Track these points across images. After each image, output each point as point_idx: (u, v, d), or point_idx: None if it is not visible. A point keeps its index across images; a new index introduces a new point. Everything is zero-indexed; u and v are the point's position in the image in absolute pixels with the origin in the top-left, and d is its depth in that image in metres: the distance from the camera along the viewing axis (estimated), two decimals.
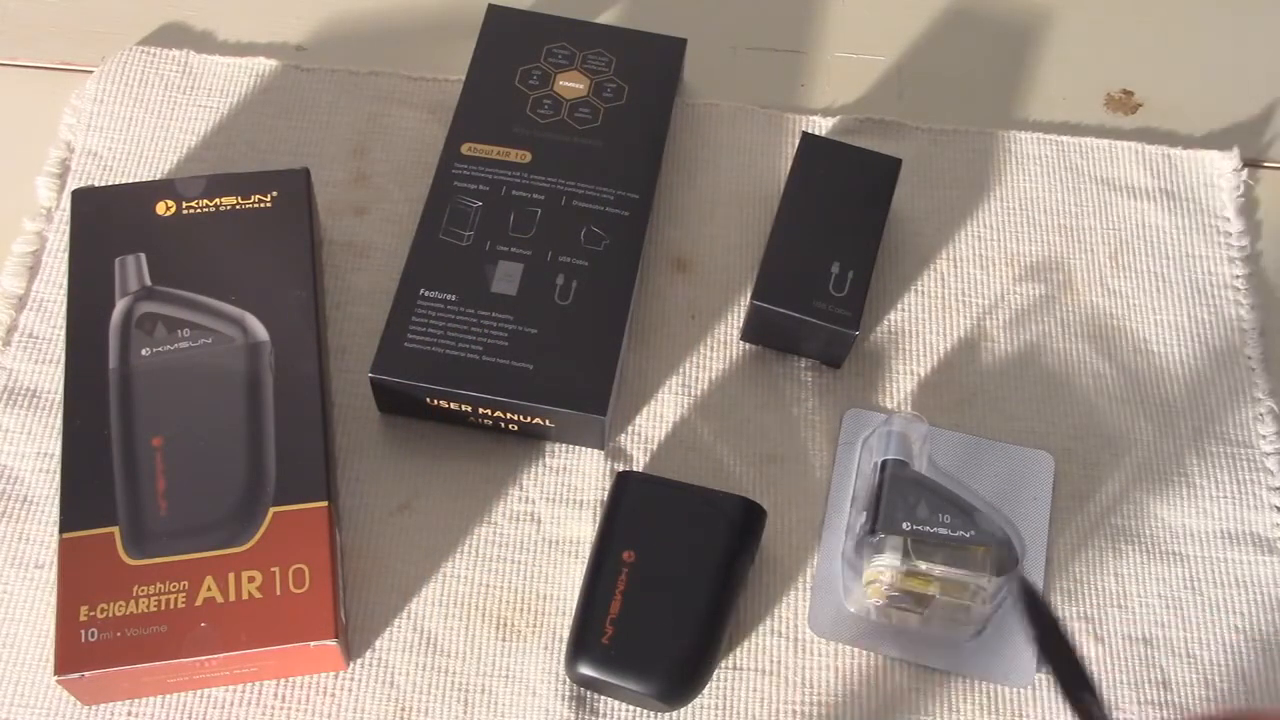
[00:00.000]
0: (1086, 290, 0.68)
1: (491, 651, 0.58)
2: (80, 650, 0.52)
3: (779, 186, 0.69)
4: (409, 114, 0.71)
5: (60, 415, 0.58)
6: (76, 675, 0.52)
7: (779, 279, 0.62)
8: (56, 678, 0.52)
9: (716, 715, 0.57)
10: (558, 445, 0.62)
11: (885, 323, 0.66)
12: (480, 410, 0.60)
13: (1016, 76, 0.75)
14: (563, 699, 0.56)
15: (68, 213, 0.63)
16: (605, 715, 0.56)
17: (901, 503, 0.56)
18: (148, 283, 0.60)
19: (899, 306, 0.67)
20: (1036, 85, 0.75)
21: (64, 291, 0.62)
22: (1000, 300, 0.67)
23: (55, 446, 0.61)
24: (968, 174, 0.71)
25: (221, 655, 0.52)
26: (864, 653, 0.58)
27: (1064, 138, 0.72)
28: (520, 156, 0.65)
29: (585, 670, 0.54)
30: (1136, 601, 0.60)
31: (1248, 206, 0.71)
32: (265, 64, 0.72)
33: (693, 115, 0.72)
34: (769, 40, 0.76)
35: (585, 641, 0.54)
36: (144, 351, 0.58)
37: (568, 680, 0.57)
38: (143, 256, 0.60)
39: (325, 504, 0.55)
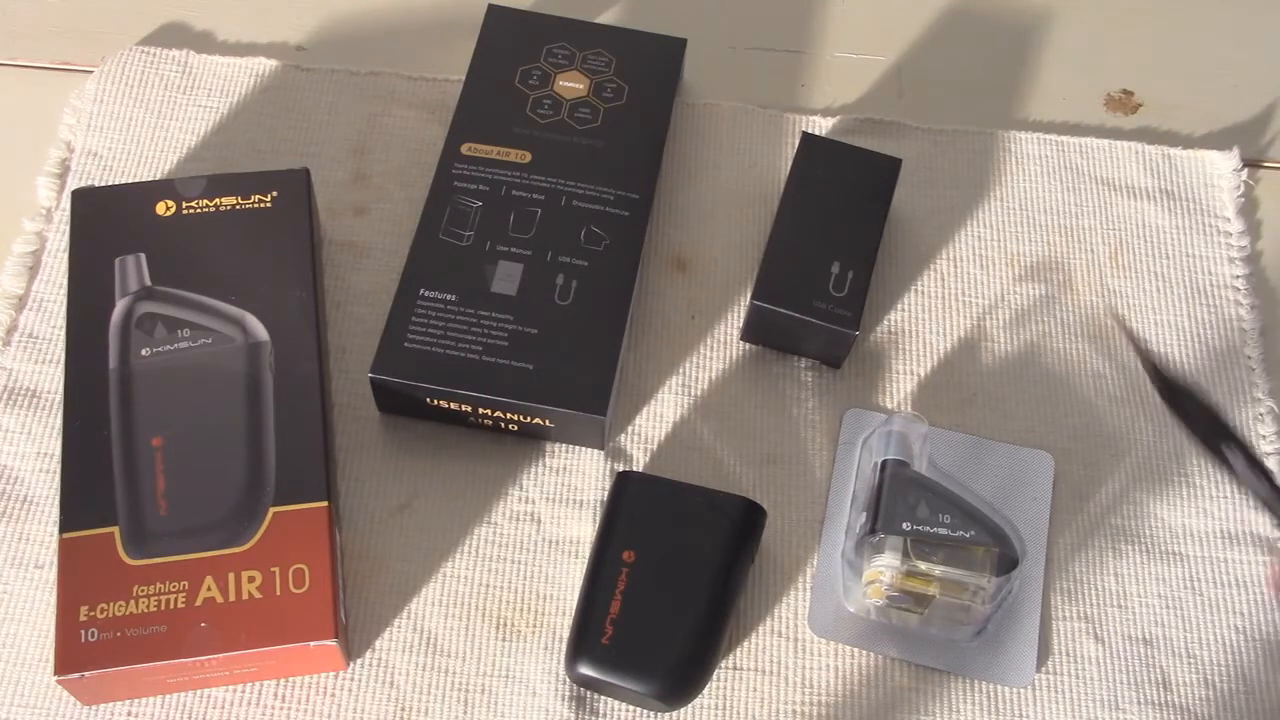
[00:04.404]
0: (1086, 290, 0.68)
1: (491, 651, 0.58)
2: (80, 650, 0.52)
3: (779, 186, 0.69)
4: (409, 114, 0.71)
5: (60, 415, 0.58)
6: (76, 675, 0.52)
7: (779, 279, 0.62)
8: (56, 678, 0.52)
9: (716, 715, 0.57)
10: (558, 445, 0.62)
11: (885, 323, 0.66)
12: (480, 410, 0.60)
13: (1016, 76, 0.75)
14: (563, 699, 0.56)
15: (68, 213, 0.63)
16: (605, 715, 0.56)
17: (901, 503, 0.56)
18: (148, 283, 0.60)
19: (899, 306, 0.67)
20: (1036, 85, 0.75)
21: (64, 291, 0.62)
22: (1000, 300, 0.67)
23: (55, 446, 0.61)
24: (968, 174, 0.71)
25: (221, 655, 0.52)
26: (864, 653, 0.58)
27: (1064, 138, 0.72)
28: (520, 156, 0.65)
29: (585, 670, 0.54)
30: (1136, 601, 0.60)
31: (1248, 206, 0.71)
32: (265, 64, 0.72)
33: (693, 115, 0.72)
34: (769, 40, 0.76)
35: (585, 641, 0.54)
36: (144, 351, 0.58)
37: (568, 680, 0.57)
38: (143, 256, 0.60)
39: (325, 504, 0.55)
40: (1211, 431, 0.39)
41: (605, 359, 0.60)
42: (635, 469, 0.62)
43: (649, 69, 0.69)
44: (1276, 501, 0.36)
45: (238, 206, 0.62)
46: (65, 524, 0.54)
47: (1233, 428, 0.38)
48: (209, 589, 0.53)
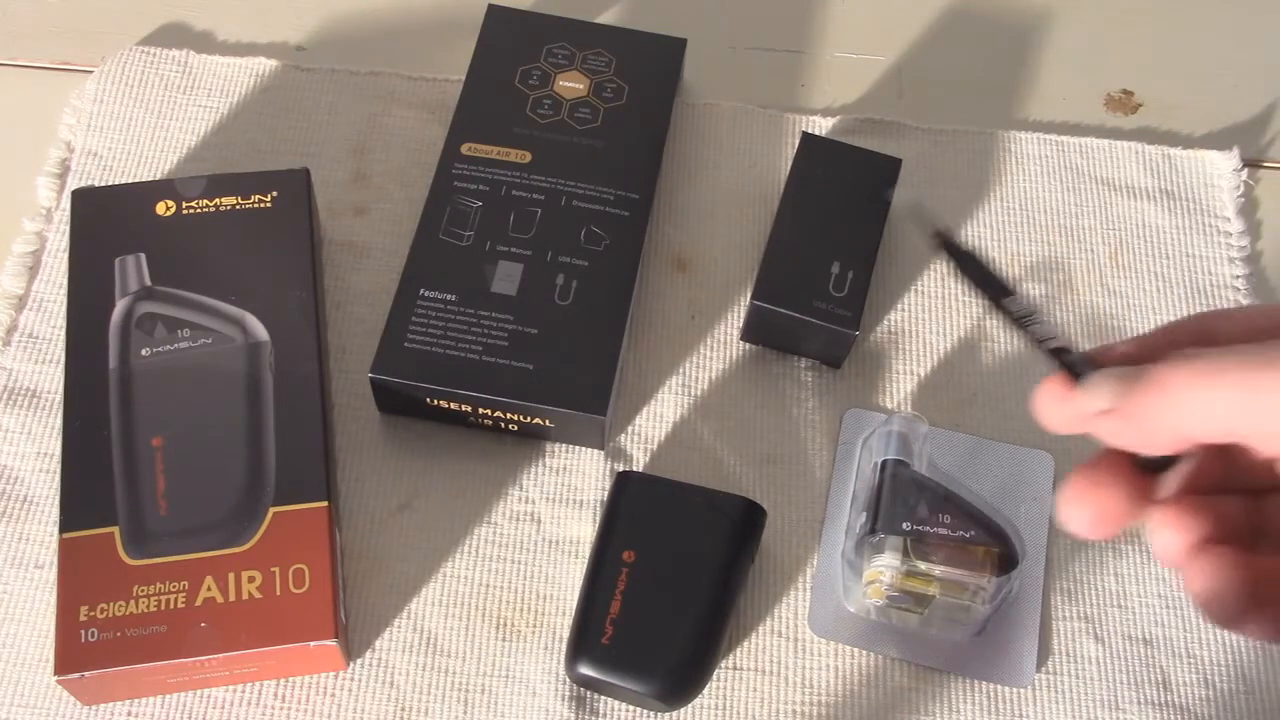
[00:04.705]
0: (1086, 290, 0.68)
1: (491, 651, 0.58)
2: (80, 650, 0.52)
3: (779, 186, 0.69)
4: (409, 114, 0.71)
5: (60, 415, 0.58)
6: (76, 675, 0.52)
7: (779, 279, 0.62)
8: (56, 678, 0.52)
9: (716, 715, 0.57)
10: (558, 445, 0.62)
11: (885, 323, 0.66)
12: (480, 410, 0.60)
13: (1016, 76, 0.75)
14: (563, 699, 0.56)
15: (68, 213, 0.63)
16: (605, 715, 0.56)
17: (901, 503, 0.56)
18: (148, 283, 0.60)
19: (899, 306, 0.67)
20: (1036, 85, 0.75)
21: (64, 291, 0.62)
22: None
23: (55, 446, 0.61)
24: (968, 174, 0.71)
25: (221, 655, 0.52)
26: (864, 653, 0.58)
27: (1064, 138, 0.72)
28: (520, 156, 0.65)
29: (585, 670, 0.54)
30: (1136, 601, 0.60)
31: (1248, 206, 0.71)
32: (265, 64, 0.72)
33: (693, 115, 0.72)
34: (769, 40, 0.76)
35: (585, 641, 0.54)
36: (144, 351, 0.58)
37: (568, 680, 0.57)
38: (143, 256, 0.60)
39: (325, 504, 0.55)
40: (995, 290, 0.42)
41: (605, 359, 0.60)
42: (635, 469, 0.62)
43: (649, 69, 0.69)
44: (1063, 350, 0.39)
45: (238, 206, 0.62)
46: (65, 524, 0.54)
47: (1011, 285, 0.41)
48: (209, 589, 0.53)
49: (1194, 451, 0.36)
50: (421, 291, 0.61)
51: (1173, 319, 0.66)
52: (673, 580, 0.55)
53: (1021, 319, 0.41)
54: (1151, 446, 0.36)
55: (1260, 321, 0.37)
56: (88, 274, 0.60)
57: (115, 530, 0.54)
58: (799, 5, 0.77)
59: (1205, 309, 0.67)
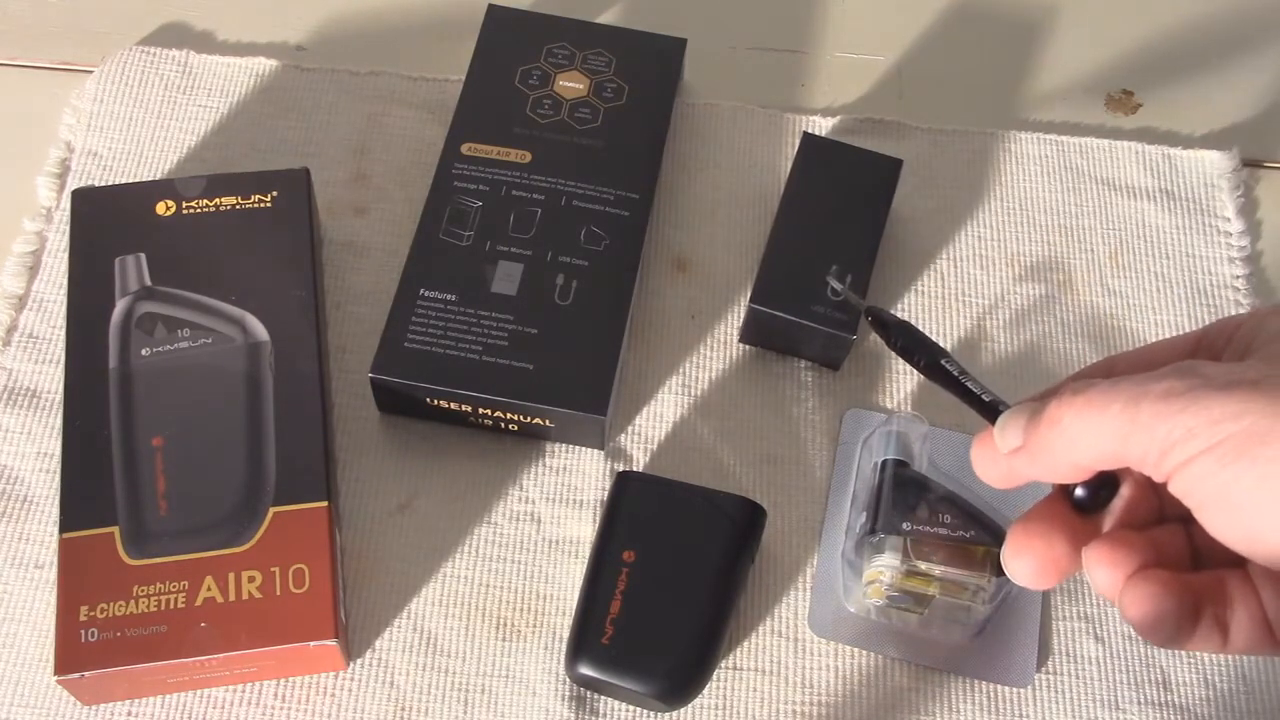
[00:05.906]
0: (1086, 290, 0.68)
1: (491, 651, 0.58)
2: (80, 650, 0.52)
3: (779, 186, 0.69)
4: (409, 114, 0.71)
5: (60, 415, 0.58)
6: (76, 675, 0.52)
7: (777, 282, 0.62)
8: (56, 678, 0.52)
9: (716, 715, 0.57)
10: (558, 445, 0.62)
11: None
12: (480, 410, 0.60)
13: (1016, 76, 0.75)
14: (563, 699, 0.56)
15: (68, 213, 0.63)
16: (605, 715, 0.56)
17: (901, 503, 0.56)
18: (148, 283, 0.60)
19: (899, 306, 0.67)
20: (1036, 85, 0.75)
21: (64, 291, 0.62)
22: (1000, 300, 0.67)
23: (55, 446, 0.61)
24: (968, 174, 0.71)
25: (221, 655, 0.52)
26: (864, 653, 0.58)
27: (1064, 138, 0.72)
28: (520, 156, 0.65)
29: (585, 670, 0.54)
30: None
31: (1248, 206, 0.71)
32: (265, 64, 0.72)
33: (693, 115, 0.72)
34: (769, 40, 0.76)
35: (585, 641, 0.54)
36: (144, 351, 0.58)
37: (568, 680, 0.57)
38: (143, 256, 0.60)
39: (325, 504, 0.55)
40: (932, 352, 0.46)
41: (605, 359, 0.60)
42: (635, 469, 0.62)
43: (649, 69, 0.69)
44: (997, 405, 0.42)
45: (238, 206, 0.62)
46: (65, 524, 0.54)
47: (941, 347, 0.46)
48: (209, 589, 0.53)
49: (1127, 485, 0.37)
50: (421, 291, 0.61)
51: (1171, 318, 0.67)
52: (673, 580, 0.55)
53: (959, 377, 0.43)
54: (1056, 477, 0.37)
55: (1158, 354, 0.39)
56: (88, 274, 0.60)
57: (115, 530, 0.54)
58: (799, 5, 0.77)
59: (1204, 309, 0.67)
